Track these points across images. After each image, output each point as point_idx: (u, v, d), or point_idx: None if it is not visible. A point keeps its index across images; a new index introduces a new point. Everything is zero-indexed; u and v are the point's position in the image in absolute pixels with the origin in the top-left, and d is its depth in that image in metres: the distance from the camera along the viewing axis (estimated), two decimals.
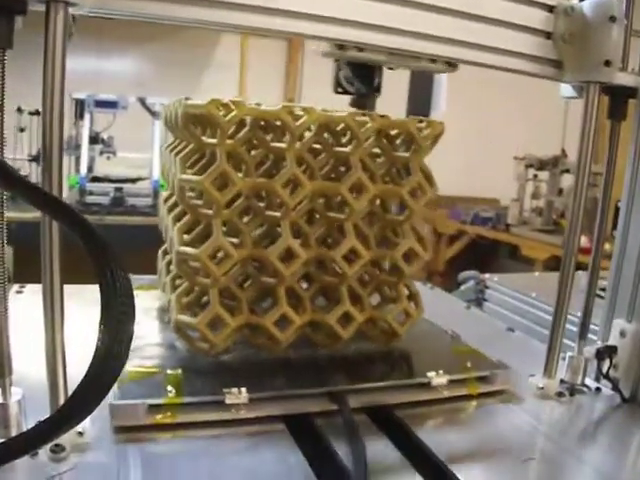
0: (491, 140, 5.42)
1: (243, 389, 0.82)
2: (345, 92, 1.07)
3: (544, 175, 4.69)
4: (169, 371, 0.86)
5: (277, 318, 0.93)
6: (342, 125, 0.97)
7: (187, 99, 0.93)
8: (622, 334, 1.03)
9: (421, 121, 1.01)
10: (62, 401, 0.70)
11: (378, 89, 1.05)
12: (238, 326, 0.93)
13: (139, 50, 4.46)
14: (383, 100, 1.12)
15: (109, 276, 0.54)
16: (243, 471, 0.74)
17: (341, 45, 0.89)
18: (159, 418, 0.78)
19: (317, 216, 1.00)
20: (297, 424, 0.84)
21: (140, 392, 0.80)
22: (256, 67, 4.64)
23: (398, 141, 1.04)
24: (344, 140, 1.01)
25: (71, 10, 0.65)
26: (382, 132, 1.00)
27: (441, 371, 0.95)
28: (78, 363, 0.60)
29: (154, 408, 0.79)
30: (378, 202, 1.03)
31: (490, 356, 1.04)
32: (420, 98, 1.93)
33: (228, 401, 0.82)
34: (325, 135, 0.99)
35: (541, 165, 4.62)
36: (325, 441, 0.80)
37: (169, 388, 0.81)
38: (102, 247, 0.55)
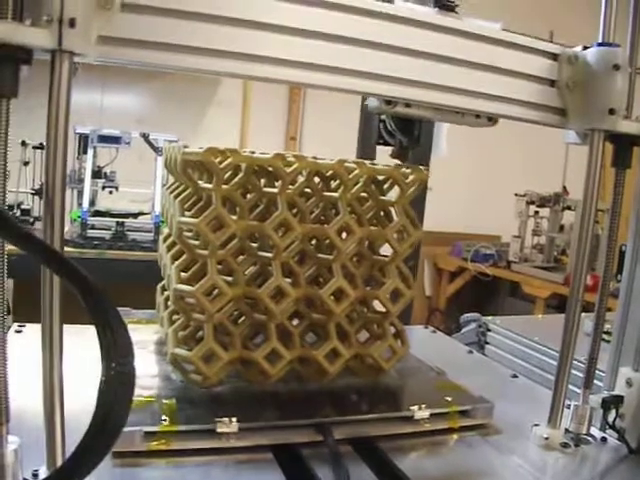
0: (492, 177, 5.46)
1: (234, 419, 0.87)
2: (386, 144, 1.11)
3: (545, 212, 4.72)
4: (164, 401, 0.91)
5: (268, 353, 0.99)
6: (331, 171, 1.04)
7: (185, 146, 0.99)
8: (628, 383, 1.02)
9: (407, 168, 1.08)
10: (59, 450, 0.69)
11: (418, 140, 1.09)
12: (231, 360, 0.98)
13: (143, 86, 4.54)
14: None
15: (109, 336, 0.54)
16: None
17: (389, 101, 0.92)
18: (154, 445, 0.83)
19: (307, 257, 1.06)
20: (284, 453, 0.88)
21: (136, 420, 0.84)
22: (258, 105, 4.72)
23: (386, 185, 1.10)
24: (334, 185, 1.08)
25: (76, 59, 0.66)
26: (370, 178, 1.06)
27: (424, 405, 1.00)
28: (79, 408, 0.62)
29: (149, 435, 0.84)
30: (366, 243, 1.09)
31: (471, 391, 1.09)
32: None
33: (219, 430, 0.87)
34: (316, 180, 1.06)
35: (542, 202, 4.63)
36: (310, 471, 0.84)
37: (164, 417, 0.87)
38: (102, 304, 0.54)
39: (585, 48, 0.96)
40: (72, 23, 0.63)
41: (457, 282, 5.23)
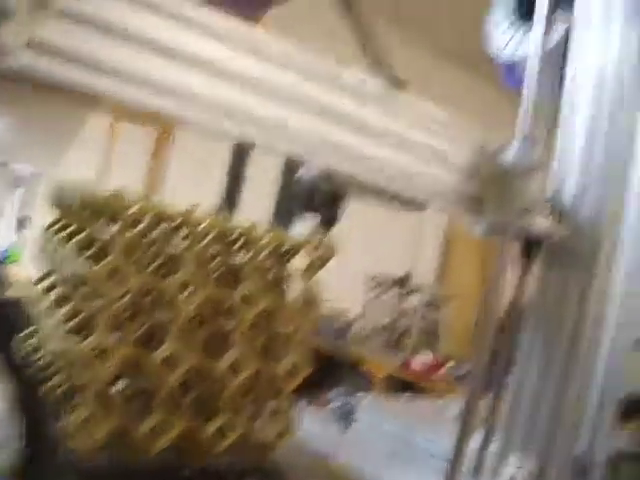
0: (341, 256, 5.52)
1: None
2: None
3: (390, 294, 4.85)
4: None
5: (151, 426, 0.89)
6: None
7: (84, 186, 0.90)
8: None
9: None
10: None
11: (335, 219, 1.09)
12: (109, 431, 0.87)
13: (4, 114, 4.28)
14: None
15: None
16: None
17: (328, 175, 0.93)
18: None
19: (206, 322, 0.98)
20: None
21: None
22: (122, 149, 4.55)
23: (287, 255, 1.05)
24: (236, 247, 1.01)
25: None
26: (278, 247, 1.01)
27: None
28: None
29: None
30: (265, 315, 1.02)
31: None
32: (285, 211, 1.97)
33: None
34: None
35: (388, 285, 4.79)
36: None
37: None
38: None
39: (504, 147, 0.98)
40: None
41: None
